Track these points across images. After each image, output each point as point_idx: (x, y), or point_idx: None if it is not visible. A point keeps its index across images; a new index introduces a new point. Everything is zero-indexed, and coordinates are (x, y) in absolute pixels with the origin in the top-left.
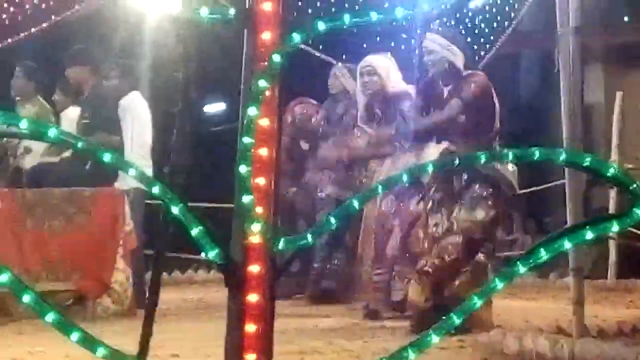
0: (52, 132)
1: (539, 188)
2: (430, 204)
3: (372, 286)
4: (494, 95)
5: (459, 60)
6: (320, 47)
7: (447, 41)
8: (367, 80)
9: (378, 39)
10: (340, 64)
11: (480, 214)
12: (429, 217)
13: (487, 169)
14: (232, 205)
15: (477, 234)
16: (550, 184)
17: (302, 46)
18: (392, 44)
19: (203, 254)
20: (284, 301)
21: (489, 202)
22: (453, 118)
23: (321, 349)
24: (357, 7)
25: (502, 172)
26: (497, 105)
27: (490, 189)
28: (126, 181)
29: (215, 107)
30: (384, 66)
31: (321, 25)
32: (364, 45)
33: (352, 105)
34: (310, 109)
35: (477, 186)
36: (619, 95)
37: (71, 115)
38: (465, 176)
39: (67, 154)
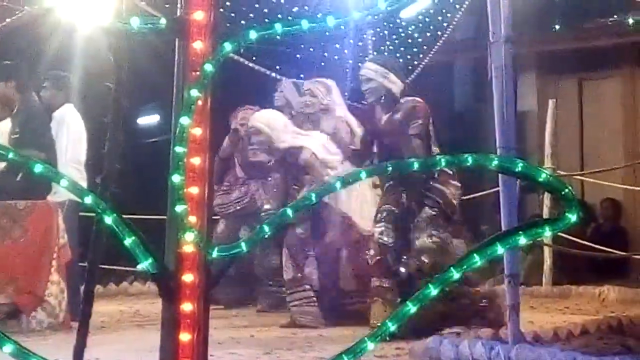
0: None
1: (474, 195)
2: (379, 214)
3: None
4: (430, 120)
5: (396, 87)
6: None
7: (385, 69)
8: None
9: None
10: (284, 78)
11: (434, 237)
12: (375, 226)
13: (434, 191)
14: (166, 217)
15: (438, 257)
16: (485, 192)
17: (249, 63)
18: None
19: (139, 266)
20: (220, 311)
21: (439, 221)
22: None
23: (258, 358)
24: (290, 17)
25: (448, 195)
26: (432, 130)
27: (436, 209)
28: (60, 194)
29: (149, 119)
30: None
31: (253, 34)
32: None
33: (295, 118)
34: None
35: (426, 208)
36: (551, 103)
37: (3, 129)
38: (413, 196)
39: None
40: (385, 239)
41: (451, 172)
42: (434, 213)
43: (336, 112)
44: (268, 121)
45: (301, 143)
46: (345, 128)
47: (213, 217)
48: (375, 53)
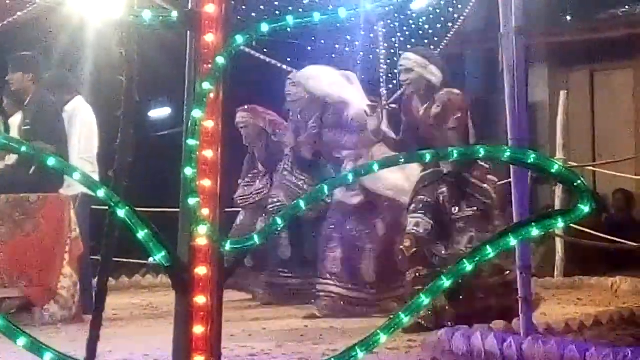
0: None
1: None
2: (413, 205)
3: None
4: (469, 112)
5: (436, 79)
6: (265, 50)
7: (425, 59)
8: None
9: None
10: (295, 71)
11: (474, 241)
12: (410, 217)
13: (476, 190)
14: (178, 210)
15: None
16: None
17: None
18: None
19: (150, 258)
20: (234, 304)
21: (479, 222)
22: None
23: (271, 351)
24: (301, 10)
25: (491, 193)
26: (470, 123)
27: (475, 208)
28: (72, 187)
29: (160, 112)
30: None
31: (264, 27)
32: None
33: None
34: (255, 115)
35: (465, 207)
36: (563, 94)
37: (15, 122)
38: (452, 189)
39: (11, 160)
40: (421, 230)
41: (487, 166)
42: (473, 213)
43: (354, 104)
44: (310, 77)
45: (347, 99)
46: (363, 119)
47: (235, 209)
48: (386, 45)
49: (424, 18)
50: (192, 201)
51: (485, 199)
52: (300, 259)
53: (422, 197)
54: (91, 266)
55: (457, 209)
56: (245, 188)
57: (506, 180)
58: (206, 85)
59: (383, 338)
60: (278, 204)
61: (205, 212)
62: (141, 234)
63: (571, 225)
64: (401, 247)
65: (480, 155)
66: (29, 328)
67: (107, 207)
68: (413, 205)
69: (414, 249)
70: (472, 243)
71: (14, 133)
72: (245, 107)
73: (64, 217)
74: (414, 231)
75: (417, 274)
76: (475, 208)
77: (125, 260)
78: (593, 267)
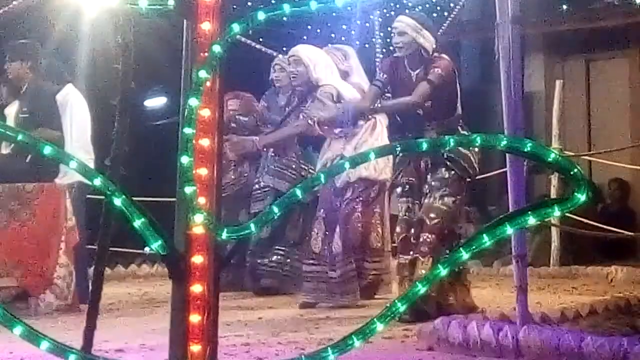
0: None
1: (482, 177)
2: (399, 189)
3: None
4: (457, 79)
5: (428, 44)
6: (261, 39)
7: (418, 24)
8: (293, 70)
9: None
10: (281, 55)
11: (445, 199)
12: (398, 202)
13: (455, 152)
14: (174, 199)
15: (445, 221)
16: (492, 173)
17: (243, 39)
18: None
19: (147, 248)
20: (228, 293)
21: (454, 186)
22: (422, 102)
23: (267, 340)
24: None
25: (470, 157)
26: (458, 89)
27: (453, 172)
28: (68, 176)
29: (156, 102)
30: (310, 56)
31: (261, 15)
32: (305, 37)
33: (297, 95)
34: (246, 103)
35: (442, 169)
36: (558, 83)
37: (11, 112)
38: (429, 159)
39: (7, 150)
40: (412, 215)
41: None
42: (449, 175)
43: (353, 77)
44: (310, 54)
45: (334, 83)
46: (361, 94)
47: None
48: (381, 34)
49: (420, 7)
50: (188, 190)
51: (463, 161)
52: (282, 238)
53: (405, 178)
54: (87, 255)
55: (434, 173)
56: None
57: (502, 170)
58: (202, 74)
59: (379, 327)
60: (266, 189)
61: (201, 200)
62: (137, 223)
63: (567, 214)
64: (396, 233)
65: (477, 144)
66: (25, 317)
67: (103, 196)
68: (399, 189)
69: (404, 234)
70: (444, 200)
71: (10, 123)
72: (239, 94)
73: (60, 206)
74: (406, 217)
75: (405, 260)
76: (452, 171)
77: (121, 249)
78: (589, 256)
